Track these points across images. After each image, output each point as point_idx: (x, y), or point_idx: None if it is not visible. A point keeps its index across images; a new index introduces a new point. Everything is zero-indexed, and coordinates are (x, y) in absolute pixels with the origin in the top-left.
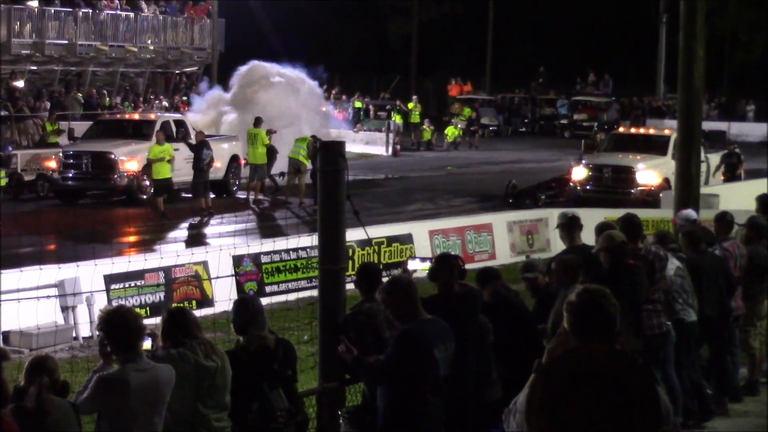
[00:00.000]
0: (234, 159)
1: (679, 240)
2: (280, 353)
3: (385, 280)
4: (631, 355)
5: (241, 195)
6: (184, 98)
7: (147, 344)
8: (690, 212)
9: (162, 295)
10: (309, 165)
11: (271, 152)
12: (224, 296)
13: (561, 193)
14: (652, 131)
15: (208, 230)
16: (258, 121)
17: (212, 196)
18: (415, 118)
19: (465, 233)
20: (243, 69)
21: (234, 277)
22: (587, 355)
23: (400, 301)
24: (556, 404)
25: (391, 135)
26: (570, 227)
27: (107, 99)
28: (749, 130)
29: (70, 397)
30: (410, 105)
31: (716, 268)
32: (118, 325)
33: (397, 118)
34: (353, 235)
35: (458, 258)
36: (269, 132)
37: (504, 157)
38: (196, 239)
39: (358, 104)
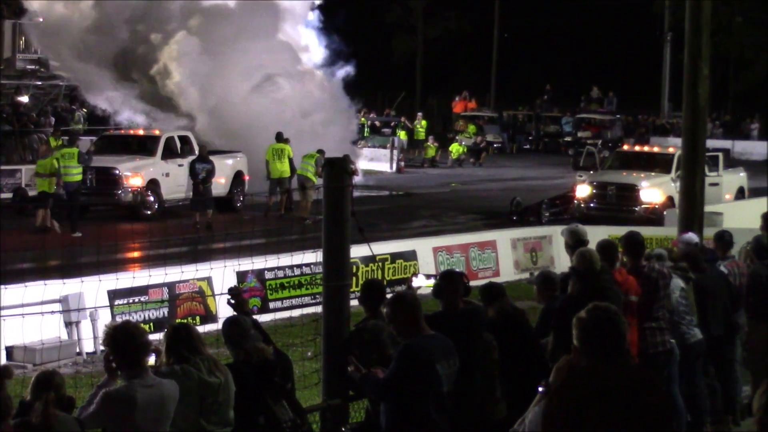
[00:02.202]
0: (238, 175)
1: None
2: (279, 366)
3: (389, 296)
4: (644, 370)
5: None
6: None
7: (151, 360)
8: (691, 236)
9: (166, 310)
10: (317, 181)
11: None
12: (228, 312)
13: (565, 210)
14: (656, 149)
15: (211, 246)
16: (280, 136)
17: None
18: (420, 134)
19: (469, 250)
20: None
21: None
22: (600, 372)
23: (404, 316)
24: (572, 422)
25: (395, 152)
26: (575, 248)
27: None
28: (753, 148)
29: (74, 413)
30: (424, 123)
31: (720, 285)
32: (123, 341)
33: (401, 135)
34: (357, 251)
35: (463, 275)
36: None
37: (508, 174)
38: (200, 255)
39: (362, 120)
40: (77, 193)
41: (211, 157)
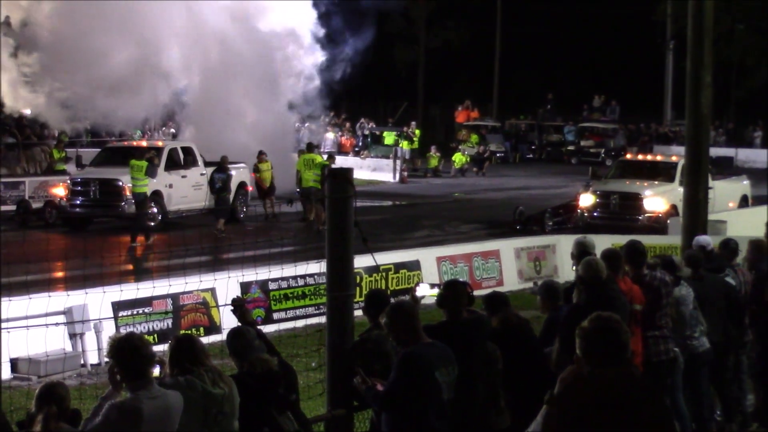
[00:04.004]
0: (242, 186)
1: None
2: (283, 377)
3: None
4: (644, 379)
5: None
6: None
7: (155, 372)
8: (705, 239)
9: (170, 322)
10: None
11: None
12: (232, 323)
13: (568, 219)
14: (659, 158)
15: (216, 256)
16: (311, 146)
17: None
18: (414, 143)
19: (472, 260)
20: None
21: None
22: (601, 381)
23: (402, 325)
24: (572, 429)
25: (398, 162)
26: (580, 259)
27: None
28: (757, 156)
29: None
30: (417, 132)
31: (717, 292)
32: (128, 353)
33: (404, 145)
34: (361, 261)
35: (466, 285)
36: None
37: (511, 184)
38: (204, 266)
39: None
40: (145, 203)
41: (211, 169)
